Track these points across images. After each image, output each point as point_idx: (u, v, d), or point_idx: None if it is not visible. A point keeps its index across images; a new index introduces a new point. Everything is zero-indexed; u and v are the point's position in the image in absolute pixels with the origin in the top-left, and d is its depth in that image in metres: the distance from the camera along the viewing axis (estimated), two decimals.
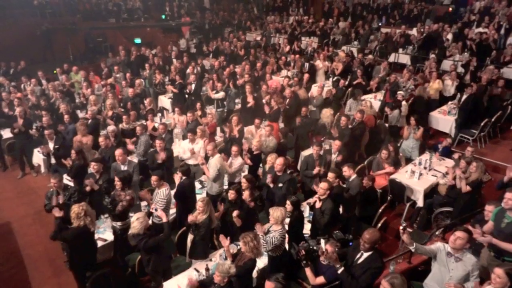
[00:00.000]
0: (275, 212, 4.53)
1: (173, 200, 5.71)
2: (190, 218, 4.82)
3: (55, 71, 11.48)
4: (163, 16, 17.79)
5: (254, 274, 4.45)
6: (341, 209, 5.46)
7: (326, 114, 7.75)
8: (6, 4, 14.45)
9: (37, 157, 7.81)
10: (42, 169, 7.76)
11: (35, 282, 5.60)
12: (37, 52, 14.11)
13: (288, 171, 6.27)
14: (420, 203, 6.22)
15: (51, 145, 7.41)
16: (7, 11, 14.40)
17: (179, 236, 5.38)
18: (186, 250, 5.06)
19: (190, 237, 4.97)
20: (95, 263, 5.14)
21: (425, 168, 6.68)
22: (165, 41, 15.83)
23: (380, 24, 15.91)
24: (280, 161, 5.72)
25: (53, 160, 7.22)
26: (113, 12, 16.69)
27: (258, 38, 15.83)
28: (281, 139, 7.24)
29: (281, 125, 8.02)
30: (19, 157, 8.22)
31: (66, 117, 7.92)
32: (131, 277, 5.19)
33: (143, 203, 5.85)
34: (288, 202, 4.82)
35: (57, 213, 4.91)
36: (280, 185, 5.61)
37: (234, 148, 6.18)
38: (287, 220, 4.81)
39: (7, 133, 8.31)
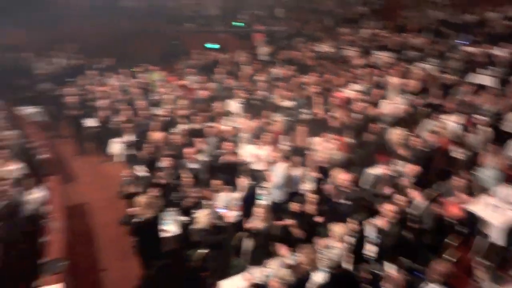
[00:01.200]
0: (336, 228, 4.51)
1: (236, 203, 5.89)
2: (250, 224, 4.95)
3: (135, 70, 12.36)
4: (237, 23, 18.41)
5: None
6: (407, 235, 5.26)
7: (396, 132, 7.51)
8: (98, 7, 15.93)
9: (114, 147, 8.48)
10: (118, 159, 8.41)
11: (102, 263, 6.08)
12: (121, 51, 15.31)
13: (353, 188, 6.18)
14: (496, 239, 5.78)
15: (127, 137, 8.04)
16: (98, 12, 15.85)
17: (238, 239, 5.54)
18: (244, 253, 5.19)
19: (248, 241, 5.10)
20: (160, 252, 5.46)
21: (505, 202, 6.19)
22: (237, 47, 16.36)
23: (461, 41, 15.06)
24: (346, 176, 5.67)
25: (128, 152, 7.82)
26: (190, 18, 17.66)
27: (329, 50, 15.75)
28: (348, 154, 7.15)
29: (348, 140, 7.92)
30: (98, 145, 9.02)
31: (142, 112, 8.55)
32: (191, 270, 5.44)
33: (208, 202, 6.09)
34: (352, 221, 4.77)
35: (141, 202, 5.19)
36: (344, 201, 5.55)
37: (298, 158, 6.23)
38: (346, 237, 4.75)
39: (90, 122, 9.13)
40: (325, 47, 16.41)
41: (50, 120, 10.65)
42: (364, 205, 6.66)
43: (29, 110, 10.61)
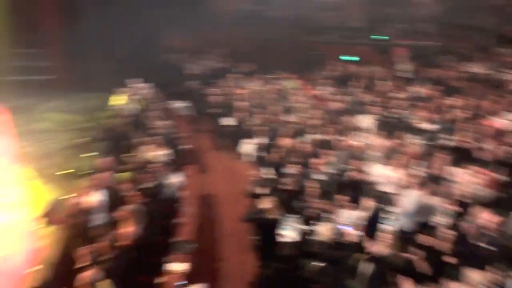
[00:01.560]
0: (474, 276, 4.01)
1: (359, 222, 5.71)
2: (372, 247, 4.74)
3: (272, 76, 12.98)
4: (377, 36, 17.79)
5: None
6: None
7: None
8: (247, 16, 17.24)
9: (245, 147, 9.07)
10: (248, 158, 8.97)
11: (221, 254, 6.54)
12: (261, 57, 16.25)
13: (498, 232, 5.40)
14: None
15: (259, 139, 8.51)
16: (246, 20, 17.12)
17: (357, 260, 5.35)
18: (360, 276, 4.99)
19: (367, 265, 4.89)
20: (276, 255, 5.63)
21: None
22: (376, 61, 15.83)
23: None
24: (491, 217, 5.00)
25: (258, 153, 8.28)
26: (331, 29, 17.75)
27: (482, 71, 14.08)
28: (496, 192, 6.28)
29: (498, 176, 6.96)
30: (232, 143, 9.77)
31: (275, 118, 8.95)
32: (303, 280, 5.46)
33: (330, 216, 6.04)
34: (493, 269, 4.18)
35: (265, 203, 5.49)
36: (485, 245, 4.90)
37: (435, 187, 5.73)
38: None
39: (227, 121, 9.95)
40: (477, 68, 14.71)
41: (194, 115, 11.96)
42: (509, 254, 5.79)
43: (179, 104, 12.09)
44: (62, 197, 7.32)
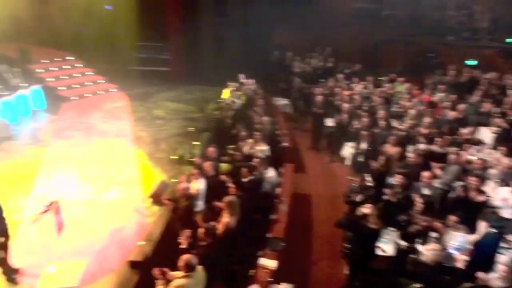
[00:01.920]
0: None
1: (468, 247, 5.10)
2: (486, 279, 4.18)
3: (381, 78, 12.31)
4: (509, 40, 15.65)
5: None
6: None
7: None
8: (362, 15, 16.61)
9: (347, 150, 8.77)
10: (347, 162, 8.68)
11: (312, 255, 6.43)
12: (370, 58, 15.55)
13: None
14: None
15: (362, 144, 8.14)
16: (359, 19, 16.52)
17: None
18: None
19: None
20: (369, 268, 5.33)
21: None
22: (505, 67, 13.96)
23: None
24: None
25: (359, 158, 7.93)
26: (453, 30, 16.14)
27: None
28: None
29: None
30: (332, 144, 9.54)
31: (382, 123, 8.46)
32: None
33: (436, 236, 5.51)
34: None
35: (364, 211, 5.24)
36: None
37: None
38: None
39: (329, 122, 9.72)
40: None
41: (295, 113, 11.99)
42: None
43: (281, 101, 12.23)
44: (167, 181, 7.96)
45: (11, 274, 5.30)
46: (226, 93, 12.06)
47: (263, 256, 5.13)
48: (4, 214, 5.15)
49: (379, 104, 9.82)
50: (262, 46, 14.86)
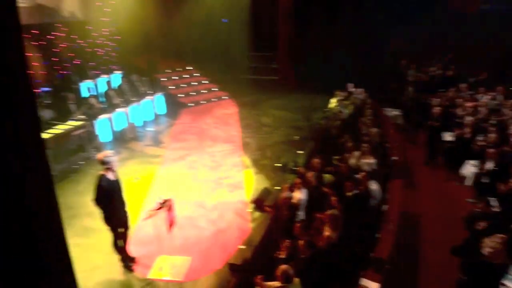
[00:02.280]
0: None
1: None
2: None
3: None
4: None
5: None
6: None
7: None
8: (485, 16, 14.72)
9: (468, 168, 7.79)
10: (468, 183, 7.70)
11: (419, 282, 5.80)
12: (499, 65, 13.67)
13: None
14: None
15: (487, 163, 7.15)
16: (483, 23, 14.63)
17: None
18: None
19: None
20: None
21: None
22: None
23: None
24: None
25: (483, 179, 6.97)
26: None
27: None
28: None
29: None
30: (449, 161, 8.58)
31: None
32: None
33: None
34: None
35: (488, 241, 4.54)
36: None
37: None
38: None
39: (448, 137, 8.77)
40: None
41: (407, 125, 11.13)
42: None
43: (392, 112, 11.49)
44: (270, 188, 8.05)
45: (128, 262, 5.89)
46: (333, 102, 11.82)
47: (364, 276, 4.80)
48: (127, 208, 5.76)
49: (510, 118, 8.53)
50: (373, 53, 14.20)
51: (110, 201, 5.39)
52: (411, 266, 6.12)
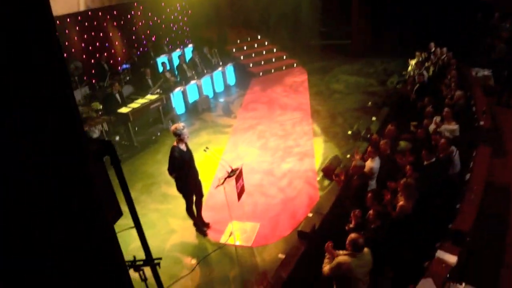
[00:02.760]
0: None
1: None
2: None
3: None
4: None
5: None
6: None
7: None
8: None
9: None
10: None
11: (505, 257, 5.29)
12: None
13: None
14: None
15: None
16: None
17: None
18: None
19: None
20: None
21: None
22: None
23: None
24: None
25: None
26: None
27: None
28: None
29: None
30: None
31: None
32: None
33: None
34: None
35: None
36: None
37: None
38: None
39: None
40: None
41: (498, 87, 9.93)
42: None
43: (481, 72, 10.32)
44: (341, 156, 7.82)
45: (201, 227, 6.21)
46: (412, 64, 10.99)
47: (441, 248, 4.49)
48: (199, 177, 6.00)
49: None
50: (460, 7, 12.70)
51: (183, 170, 5.65)
52: (496, 241, 5.59)
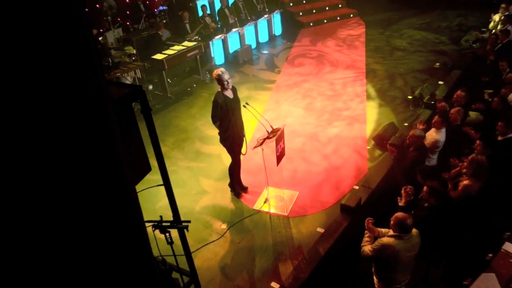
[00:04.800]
0: None
1: None
2: None
3: None
4: None
5: None
6: None
7: None
8: None
9: None
10: None
11: None
12: None
13: None
14: None
15: None
16: None
17: None
18: None
19: None
20: None
21: None
22: None
23: None
24: None
25: None
26: None
27: None
28: None
29: None
30: None
31: None
32: None
33: None
34: None
35: None
36: None
37: None
38: None
39: None
40: None
41: None
42: None
43: None
44: (398, 124, 7.48)
45: (237, 189, 6.22)
46: (495, 20, 10.12)
47: (510, 240, 4.25)
48: (244, 131, 5.92)
49: None
50: None
51: (227, 120, 5.62)
52: None
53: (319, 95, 9.02)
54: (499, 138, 5.48)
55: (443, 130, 5.67)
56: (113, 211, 1.65)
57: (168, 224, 3.24)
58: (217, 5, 11.99)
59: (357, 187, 6.02)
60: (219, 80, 5.54)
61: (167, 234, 3.20)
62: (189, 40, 10.16)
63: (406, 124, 7.46)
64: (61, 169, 1.37)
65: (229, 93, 5.62)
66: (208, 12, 11.52)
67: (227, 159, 6.15)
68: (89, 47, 1.35)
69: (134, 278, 1.93)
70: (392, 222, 3.77)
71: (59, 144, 1.35)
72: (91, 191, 1.51)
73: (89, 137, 1.43)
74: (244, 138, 5.94)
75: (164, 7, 11.75)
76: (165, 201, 3.40)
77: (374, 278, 4.04)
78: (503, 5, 9.99)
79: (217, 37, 10.78)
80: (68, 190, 1.43)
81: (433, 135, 5.68)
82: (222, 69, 5.64)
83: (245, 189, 6.30)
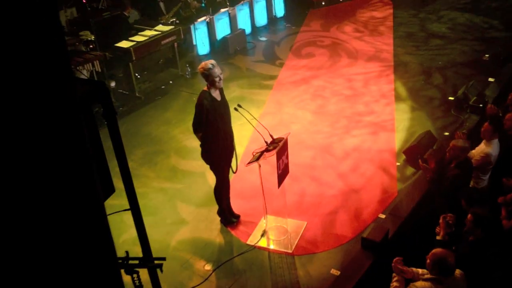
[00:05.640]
0: None
1: None
2: None
3: None
4: None
5: None
6: None
7: None
8: None
9: None
10: None
11: None
12: None
13: None
14: None
15: None
16: None
17: None
18: None
19: None
20: None
21: None
22: None
23: None
24: None
25: None
26: None
27: None
28: None
29: None
30: None
31: None
32: None
33: None
34: None
35: None
36: None
37: None
38: None
39: None
40: None
41: None
42: None
43: None
44: (435, 133, 7.56)
45: (229, 216, 6.21)
46: None
47: None
48: (234, 143, 5.93)
49: None
50: None
51: (213, 128, 5.59)
52: None
53: (334, 95, 9.13)
54: None
55: (496, 142, 5.74)
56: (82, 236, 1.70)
57: (137, 262, 3.25)
58: None
59: (383, 216, 6.06)
60: (209, 75, 5.49)
61: (135, 276, 3.21)
62: (164, 24, 10.26)
63: (446, 133, 7.55)
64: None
65: (216, 93, 5.64)
66: None
67: (213, 179, 6.17)
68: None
69: None
70: (428, 261, 3.82)
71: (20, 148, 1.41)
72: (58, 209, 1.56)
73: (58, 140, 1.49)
74: (235, 152, 5.96)
75: None
76: (132, 232, 3.42)
77: None
78: None
79: (200, 19, 10.90)
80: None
81: (483, 148, 5.75)
82: (212, 61, 5.58)
83: (237, 217, 6.32)
